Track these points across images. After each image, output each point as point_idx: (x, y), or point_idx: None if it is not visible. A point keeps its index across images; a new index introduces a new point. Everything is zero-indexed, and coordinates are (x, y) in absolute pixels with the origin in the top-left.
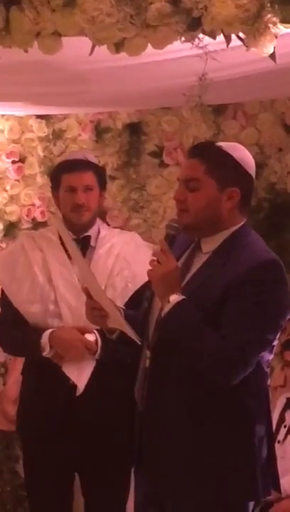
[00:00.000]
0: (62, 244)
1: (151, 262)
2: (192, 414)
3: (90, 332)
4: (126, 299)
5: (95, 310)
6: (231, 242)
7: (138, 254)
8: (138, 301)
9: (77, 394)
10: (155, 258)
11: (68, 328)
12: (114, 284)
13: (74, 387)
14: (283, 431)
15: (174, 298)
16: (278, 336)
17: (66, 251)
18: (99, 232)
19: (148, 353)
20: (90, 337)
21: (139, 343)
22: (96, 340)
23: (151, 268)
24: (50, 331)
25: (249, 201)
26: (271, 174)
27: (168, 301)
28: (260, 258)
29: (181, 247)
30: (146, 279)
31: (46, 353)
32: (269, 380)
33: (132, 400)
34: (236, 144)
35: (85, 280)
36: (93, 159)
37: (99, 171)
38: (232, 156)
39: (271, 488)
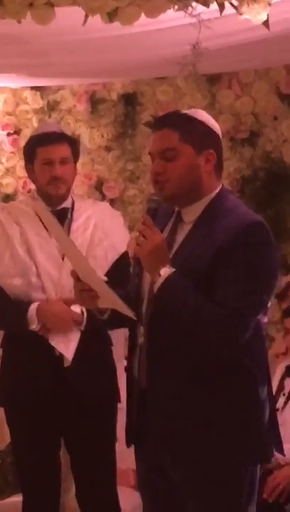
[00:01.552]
0: (39, 216)
1: (137, 238)
2: (196, 383)
3: (75, 303)
4: (107, 269)
5: (84, 291)
6: (212, 208)
7: (114, 223)
8: (119, 271)
9: (66, 365)
10: (140, 232)
11: (54, 300)
12: (95, 254)
13: (61, 358)
14: (282, 399)
15: (165, 271)
16: (280, 303)
17: (43, 223)
18: (73, 203)
19: (141, 329)
20: (76, 308)
21: (135, 319)
22: (81, 311)
23: (138, 241)
24: (36, 304)
25: (222, 164)
26: (267, 143)
27: (159, 275)
28: (245, 221)
29: (162, 220)
30: (125, 248)
31: (34, 326)
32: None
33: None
34: (196, 109)
35: (74, 261)
36: (66, 131)
37: (74, 143)
38: (199, 120)
39: (276, 451)
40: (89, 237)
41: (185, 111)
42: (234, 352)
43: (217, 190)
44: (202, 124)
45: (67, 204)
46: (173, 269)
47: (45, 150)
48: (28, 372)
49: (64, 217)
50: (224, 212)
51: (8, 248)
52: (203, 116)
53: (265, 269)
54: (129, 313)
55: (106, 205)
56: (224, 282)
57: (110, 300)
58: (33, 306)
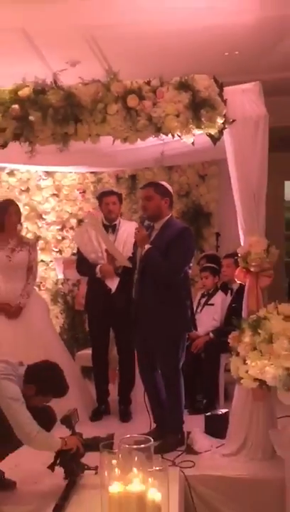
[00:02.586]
0: (104, 226)
1: (135, 233)
2: (160, 297)
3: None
4: (132, 250)
5: (112, 258)
6: (167, 223)
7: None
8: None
9: (112, 292)
10: (136, 231)
11: (107, 264)
12: (127, 246)
13: (110, 289)
14: (199, 308)
15: (147, 246)
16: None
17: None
18: (119, 222)
19: (136, 273)
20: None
21: (130, 266)
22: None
23: (135, 234)
24: (99, 265)
25: (172, 204)
26: (193, 196)
27: (144, 248)
28: (181, 227)
29: (146, 229)
30: None
31: (98, 275)
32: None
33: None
34: (162, 181)
35: (108, 246)
36: (117, 190)
37: (119, 196)
38: (162, 185)
39: (194, 329)
40: (125, 238)
41: (158, 181)
42: (175, 282)
43: (169, 215)
44: (164, 186)
45: (116, 222)
46: (151, 246)
47: (106, 198)
48: (95, 297)
49: (114, 228)
50: (172, 224)
51: (90, 242)
52: (165, 183)
53: (189, 248)
54: (127, 263)
55: (134, 223)
56: (172, 254)
57: (121, 260)
58: (98, 266)
